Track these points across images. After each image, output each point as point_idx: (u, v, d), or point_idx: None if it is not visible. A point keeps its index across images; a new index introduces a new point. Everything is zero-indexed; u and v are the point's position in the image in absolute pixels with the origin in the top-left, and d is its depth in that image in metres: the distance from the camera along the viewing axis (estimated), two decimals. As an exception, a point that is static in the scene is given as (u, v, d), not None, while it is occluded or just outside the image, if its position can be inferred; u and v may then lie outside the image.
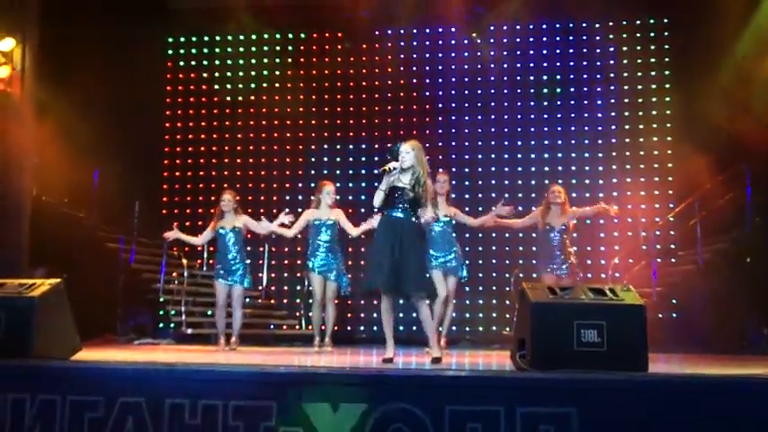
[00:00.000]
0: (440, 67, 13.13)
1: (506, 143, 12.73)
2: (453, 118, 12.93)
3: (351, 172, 12.99)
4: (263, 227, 8.63)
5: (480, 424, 3.76)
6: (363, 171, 12.73)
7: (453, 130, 12.92)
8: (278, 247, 12.70)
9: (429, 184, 5.94)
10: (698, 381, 3.95)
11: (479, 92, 12.93)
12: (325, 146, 12.94)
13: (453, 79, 13.01)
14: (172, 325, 11.19)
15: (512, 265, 12.04)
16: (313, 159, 13.03)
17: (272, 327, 11.93)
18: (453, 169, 12.16)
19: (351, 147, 12.95)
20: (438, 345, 6.05)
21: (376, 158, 12.67)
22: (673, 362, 6.28)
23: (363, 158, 12.92)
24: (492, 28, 12.78)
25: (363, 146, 13.00)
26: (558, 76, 12.74)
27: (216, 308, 8.70)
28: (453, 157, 12.59)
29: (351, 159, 13.05)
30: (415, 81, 13.15)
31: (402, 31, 13.14)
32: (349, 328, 12.38)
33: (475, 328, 12.09)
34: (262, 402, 3.95)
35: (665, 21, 12.49)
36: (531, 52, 12.87)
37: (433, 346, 5.91)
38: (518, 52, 12.90)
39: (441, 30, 13.15)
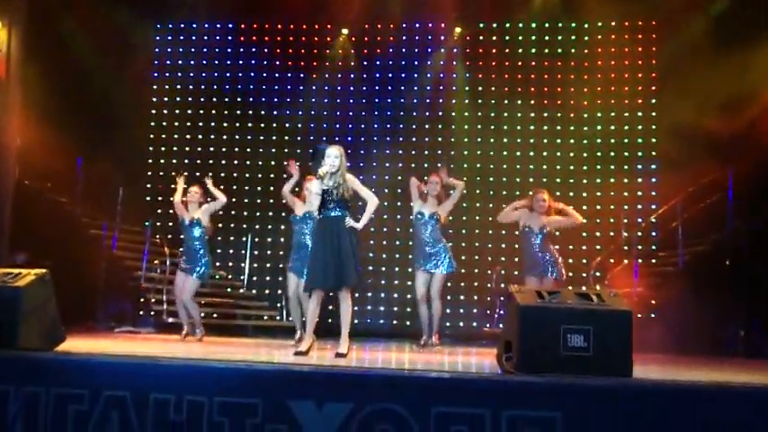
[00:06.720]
0: (429, 62, 13.10)
1: (492, 140, 12.73)
2: (440, 114, 12.97)
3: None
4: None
5: (465, 426, 3.79)
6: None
7: (440, 126, 12.95)
8: (261, 239, 12.71)
9: (348, 178, 6.44)
10: (683, 388, 3.99)
11: (467, 89, 12.92)
12: (312, 138, 12.72)
13: (441, 75, 13.01)
14: (152, 313, 11.17)
15: (493, 261, 12.09)
16: (298, 151, 12.85)
17: (252, 318, 11.88)
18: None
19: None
20: (347, 341, 6.30)
21: (369, 150, 12.72)
22: (650, 364, 6.32)
23: (362, 151, 12.82)
24: (481, 25, 12.81)
25: (349, 138, 12.94)
26: (546, 75, 12.77)
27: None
28: (439, 152, 12.63)
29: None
30: (403, 75, 13.11)
31: (391, 26, 13.11)
32: (329, 320, 12.31)
33: (455, 324, 12.13)
34: (248, 399, 3.95)
35: (653, 23, 12.53)
36: (520, 51, 12.90)
37: (342, 342, 6.24)
38: (507, 50, 12.96)
39: (431, 25, 13.14)
